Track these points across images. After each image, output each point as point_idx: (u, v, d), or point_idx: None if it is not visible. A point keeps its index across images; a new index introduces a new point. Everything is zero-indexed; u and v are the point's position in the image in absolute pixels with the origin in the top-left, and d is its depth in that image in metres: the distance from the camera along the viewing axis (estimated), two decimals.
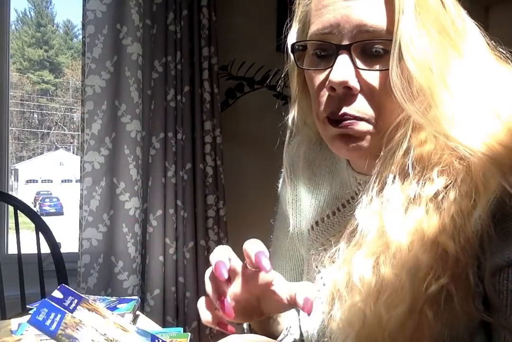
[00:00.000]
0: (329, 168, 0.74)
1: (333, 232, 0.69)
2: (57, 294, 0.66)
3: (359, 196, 0.60)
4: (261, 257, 0.53)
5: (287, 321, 0.74)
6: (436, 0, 0.55)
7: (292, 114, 0.68)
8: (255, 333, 0.71)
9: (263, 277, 0.56)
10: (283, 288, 0.58)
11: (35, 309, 0.61)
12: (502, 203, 0.49)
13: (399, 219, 0.53)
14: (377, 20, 0.54)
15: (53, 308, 0.61)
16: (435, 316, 0.50)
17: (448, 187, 0.52)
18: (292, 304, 0.57)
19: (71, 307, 0.65)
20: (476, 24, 0.59)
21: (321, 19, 0.57)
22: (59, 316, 0.61)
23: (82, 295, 0.70)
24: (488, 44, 0.59)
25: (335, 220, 0.70)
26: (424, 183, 0.53)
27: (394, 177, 0.55)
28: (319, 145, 0.76)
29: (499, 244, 0.50)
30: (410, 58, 0.52)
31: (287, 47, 0.63)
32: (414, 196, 0.54)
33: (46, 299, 0.63)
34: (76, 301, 0.67)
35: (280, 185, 0.84)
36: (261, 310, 0.61)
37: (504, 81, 0.57)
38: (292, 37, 0.64)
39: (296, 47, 0.61)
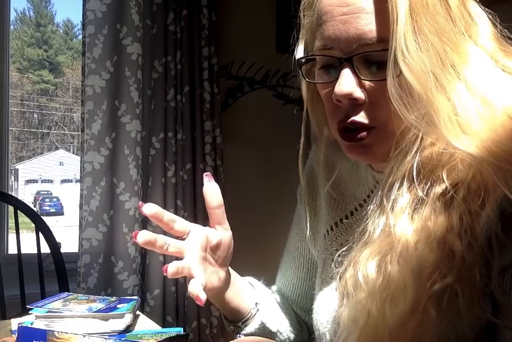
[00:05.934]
0: (348, 169, 0.74)
1: (351, 232, 0.68)
2: None
3: (372, 195, 0.60)
4: None
5: (254, 296, 0.77)
6: (435, 2, 0.54)
7: (306, 122, 0.69)
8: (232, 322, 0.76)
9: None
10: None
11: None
12: (509, 203, 0.49)
13: (406, 218, 0.54)
14: (375, 32, 0.54)
15: None
16: (439, 315, 0.50)
17: (458, 185, 0.52)
18: None
19: None
20: (490, 17, 0.58)
21: (322, 35, 0.58)
22: None
23: (46, 329, 0.64)
24: (503, 37, 0.58)
25: (353, 220, 0.71)
26: (433, 182, 0.53)
27: (404, 177, 0.55)
28: (338, 147, 0.76)
29: (506, 243, 0.50)
30: (405, 66, 0.52)
31: (295, 59, 0.64)
32: (422, 195, 0.54)
33: None
34: None
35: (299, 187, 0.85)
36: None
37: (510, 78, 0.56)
38: (299, 52, 0.65)
39: (303, 61, 0.63)
